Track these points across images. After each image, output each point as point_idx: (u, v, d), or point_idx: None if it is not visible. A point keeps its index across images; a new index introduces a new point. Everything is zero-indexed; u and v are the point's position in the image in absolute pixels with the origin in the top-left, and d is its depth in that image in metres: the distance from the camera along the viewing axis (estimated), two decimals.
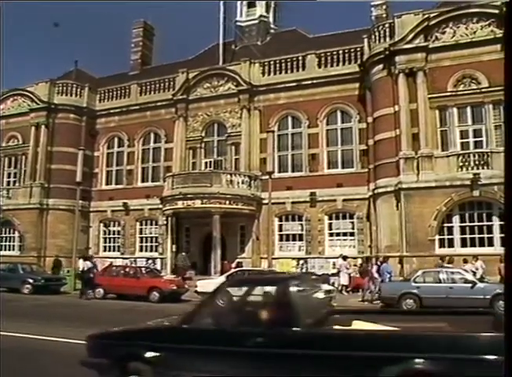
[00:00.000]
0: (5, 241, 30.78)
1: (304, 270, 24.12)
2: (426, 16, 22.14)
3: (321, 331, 5.11)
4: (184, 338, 5.30)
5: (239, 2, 34.41)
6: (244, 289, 5.86)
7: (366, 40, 24.39)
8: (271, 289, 5.58)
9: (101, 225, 30.82)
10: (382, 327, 5.21)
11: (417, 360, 4.37)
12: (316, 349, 4.73)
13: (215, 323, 5.50)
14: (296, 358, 4.73)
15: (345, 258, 21.87)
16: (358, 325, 5.27)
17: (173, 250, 25.91)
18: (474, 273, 16.90)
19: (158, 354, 5.21)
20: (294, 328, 4.86)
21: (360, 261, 22.86)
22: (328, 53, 25.93)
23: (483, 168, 20.18)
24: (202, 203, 24.51)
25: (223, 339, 5.10)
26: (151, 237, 29.12)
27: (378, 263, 19.93)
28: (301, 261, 24.63)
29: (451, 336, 4.88)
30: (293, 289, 5.31)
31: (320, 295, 6.43)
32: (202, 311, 5.64)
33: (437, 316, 5.97)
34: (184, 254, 24.96)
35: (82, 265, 21.17)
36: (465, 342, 4.57)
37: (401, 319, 6.08)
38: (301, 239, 25.15)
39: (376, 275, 19.05)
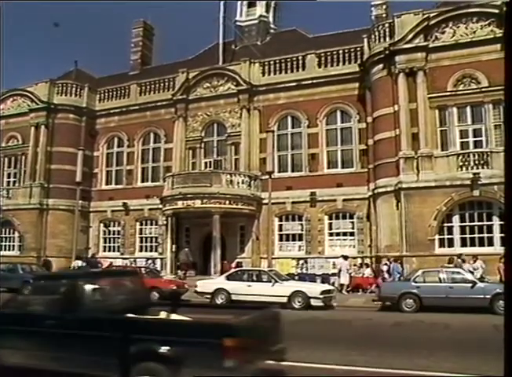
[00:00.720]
0: (5, 241, 30.75)
1: (304, 270, 24.11)
2: (426, 15, 22.13)
3: (97, 316, 6.16)
4: (1, 321, 6.50)
5: (239, 2, 34.37)
6: (48, 282, 7.38)
7: (366, 40, 24.38)
8: (67, 283, 6.81)
9: (101, 225, 30.80)
10: (179, 317, 6.36)
11: (153, 343, 5.40)
12: (92, 331, 5.88)
13: (24, 308, 6.74)
14: (76, 337, 5.93)
15: (346, 257, 21.85)
16: (162, 315, 6.51)
17: (173, 250, 25.91)
18: (472, 273, 16.86)
19: None
20: (76, 314, 6.05)
21: (359, 260, 22.91)
22: (328, 53, 25.92)
23: (483, 168, 20.16)
24: (202, 203, 24.50)
25: (28, 321, 6.34)
26: (151, 237, 29.10)
27: (388, 263, 19.93)
28: (301, 261, 24.62)
29: (185, 323, 5.97)
30: (81, 283, 6.48)
31: (136, 289, 7.63)
32: (16, 299, 6.89)
33: (241, 310, 7.18)
34: (187, 249, 25.12)
35: (73, 264, 21.35)
36: (195, 329, 5.61)
37: (209, 311, 7.27)
38: (301, 239, 25.14)
39: (386, 275, 19.05)
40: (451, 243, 20.72)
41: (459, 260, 18.52)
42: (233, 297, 16.67)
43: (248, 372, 5.31)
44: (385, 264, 20.17)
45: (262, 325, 6.04)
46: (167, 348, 5.28)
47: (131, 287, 7.57)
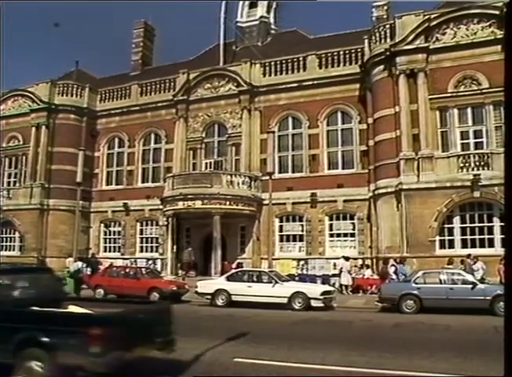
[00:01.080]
0: (6, 241, 30.79)
1: (304, 271, 24.12)
2: (427, 16, 22.15)
3: None
4: None
5: (240, 3, 34.37)
6: None
7: (366, 41, 24.38)
8: None
9: (102, 225, 30.83)
10: (79, 310, 6.95)
11: (33, 331, 6.11)
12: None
13: None
14: None
15: (347, 258, 21.84)
16: (71, 309, 7.15)
17: (174, 250, 25.93)
18: (472, 274, 16.83)
19: None
20: None
21: (360, 261, 22.90)
22: (329, 54, 25.94)
23: (483, 169, 20.18)
24: (202, 204, 24.52)
25: None
26: (152, 238, 29.13)
27: (395, 264, 19.91)
28: (302, 262, 24.62)
29: (66, 314, 6.71)
30: None
31: (48, 285, 8.21)
32: None
33: (137, 304, 7.93)
34: (190, 249, 25.20)
35: (72, 265, 21.27)
36: (69, 319, 6.39)
37: (108, 305, 7.81)
38: (301, 239, 25.14)
39: (394, 276, 19.00)
40: (451, 245, 20.73)
41: (468, 260, 18.43)
42: (233, 298, 16.67)
43: (118, 359, 6.05)
44: (393, 265, 20.09)
45: (142, 317, 6.84)
46: (45, 336, 6.02)
47: (42, 283, 8.15)
